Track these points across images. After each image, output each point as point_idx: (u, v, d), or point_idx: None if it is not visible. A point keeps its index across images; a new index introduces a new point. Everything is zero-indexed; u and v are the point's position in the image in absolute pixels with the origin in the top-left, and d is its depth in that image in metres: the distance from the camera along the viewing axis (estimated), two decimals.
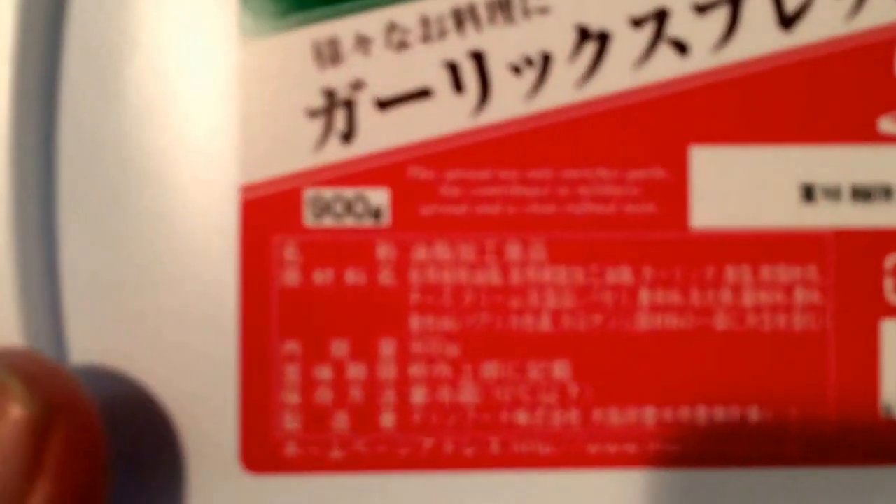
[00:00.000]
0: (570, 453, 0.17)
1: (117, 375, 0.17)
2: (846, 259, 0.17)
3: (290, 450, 0.17)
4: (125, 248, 0.17)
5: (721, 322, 0.17)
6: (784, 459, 0.17)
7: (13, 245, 0.16)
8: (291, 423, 0.17)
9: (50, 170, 0.17)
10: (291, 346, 0.17)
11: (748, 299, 0.17)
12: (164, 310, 0.17)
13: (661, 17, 0.17)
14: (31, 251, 0.16)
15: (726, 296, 0.17)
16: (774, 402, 0.17)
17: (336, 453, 0.17)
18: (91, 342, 0.17)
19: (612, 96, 0.17)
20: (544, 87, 0.17)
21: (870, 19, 0.17)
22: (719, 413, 0.17)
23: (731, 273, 0.17)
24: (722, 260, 0.17)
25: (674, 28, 0.17)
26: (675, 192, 0.17)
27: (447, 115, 0.17)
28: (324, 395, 0.17)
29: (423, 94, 0.17)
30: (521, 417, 0.17)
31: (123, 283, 0.17)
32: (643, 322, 0.17)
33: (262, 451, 0.17)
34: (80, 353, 0.17)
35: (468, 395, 0.17)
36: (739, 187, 0.17)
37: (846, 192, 0.17)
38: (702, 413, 0.17)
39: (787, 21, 0.17)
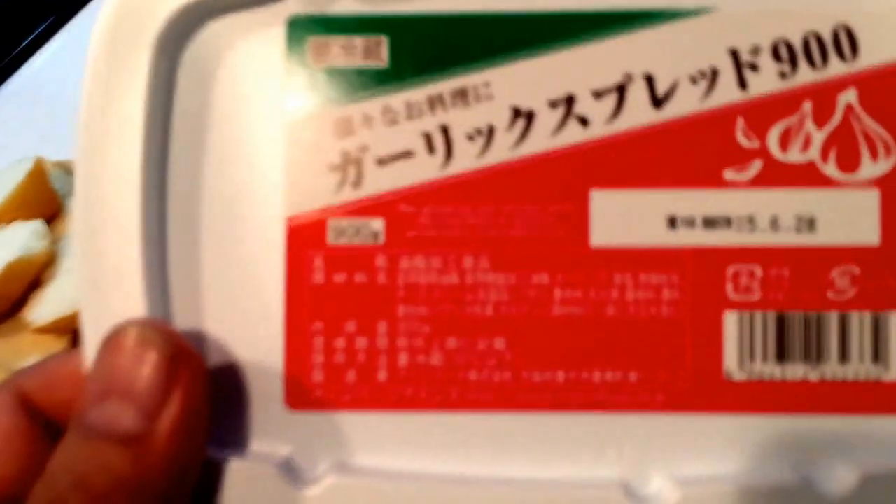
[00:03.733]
0: (505, 400, 0.26)
1: (204, 339, 0.26)
2: (699, 268, 0.26)
3: (317, 394, 0.26)
4: (213, 257, 0.26)
5: (610, 311, 0.26)
6: (654, 406, 0.26)
7: (144, 259, 0.25)
8: (318, 376, 0.26)
9: (163, 210, 0.26)
10: (318, 325, 0.26)
11: (629, 296, 0.26)
12: (238, 298, 0.26)
13: (569, 100, 0.26)
14: (153, 260, 0.26)
15: (614, 293, 0.26)
16: (648, 367, 0.26)
17: (347, 397, 0.26)
18: (187, 316, 0.26)
19: (536, 155, 0.26)
20: (489, 150, 0.26)
21: (717, 100, 0.25)
22: (608, 374, 0.26)
23: (617, 277, 0.26)
24: (612, 268, 0.26)
25: (579, 107, 0.26)
26: (579, 221, 0.26)
27: (424, 169, 0.26)
28: (339, 358, 0.26)
29: (408, 154, 0.26)
30: (472, 375, 0.26)
31: (211, 279, 0.26)
32: (556, 311, 0.26)
33: (298, 395, 0.26)
34: (180, 323, 0.26)
35: (436, 359, 0.26)
36: (624, 218, 0.26)
37: (699, 222, 0.26)
38: (596, 374, 0.26)
39: (658, 102, 0.26)
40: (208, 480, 0.25)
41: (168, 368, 0.23)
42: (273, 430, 0.26)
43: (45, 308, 0.56)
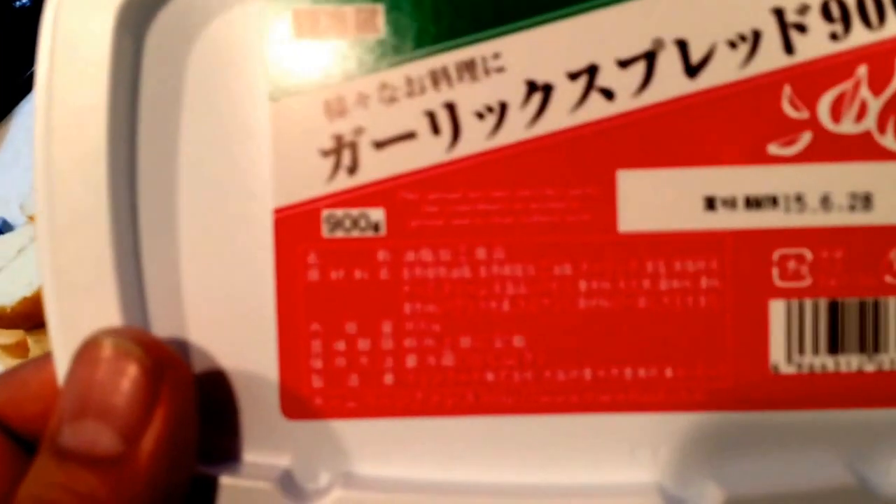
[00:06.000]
0: (526, 402, 0.24)
1: (187, 344, 0.25)
2: (741, 253, 0.24)
3: (317, 401, 0.25)
4: (193, 255, 0.24)
5: (642, 303, 0.24)
6: (692, 406, 0.24)
7: (114, 263, 0.24)
8: (317, 382, 0.24)
9: (134, 205, 0.24)
10: (315, 326, 0.24)
11: (663, 285, 0.24)
12: (224, 299, 0.24)
13: (592, 71, 0.23)
14: (126, 261, 0.24)
15: (646, 283, 0.24)
16: (684, 363, 0.24)
17: (350, 404, 0.25)
18: (167, 322, 0.25)
19: (555, 133, 0.24)
20: (502, 129, 0.24)
21: (760, 66, 0.23)
22: (641, 371, 0.24)
23: (650, 265, 0.24)
24: (643, 256, 0.24)
25: (602, 79, 0.23)
26: (605, 205, 0.24)
27: (427, 152, 0.24)
28: (340, 362, 0.24)
29: (409, 136, 0.24)
30: (489, 376, 0.24)
31: (193, 280, 0.24)
32: (581, 304, 0.24)
33: (296, 403, 0.25)
34: (160, 330, 0.25)
35: (448, 360, 0.24)
36: (656, 200, 0.24)
37: (741, 202, 0.24)
38: (628, 371, 0.24)
39: (692, 70, 0.23)
40: (201, 498, 0.24)
41: (148, 382, 0.22)
42: (269, 442, 0.25)
43: None
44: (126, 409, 0.22)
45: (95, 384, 0.22)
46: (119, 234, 0.24)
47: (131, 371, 0.22)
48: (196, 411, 0.23)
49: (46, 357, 0.25)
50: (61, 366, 0.24)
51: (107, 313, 0.24)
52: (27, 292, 0.59)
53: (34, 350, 0.65)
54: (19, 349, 0.68)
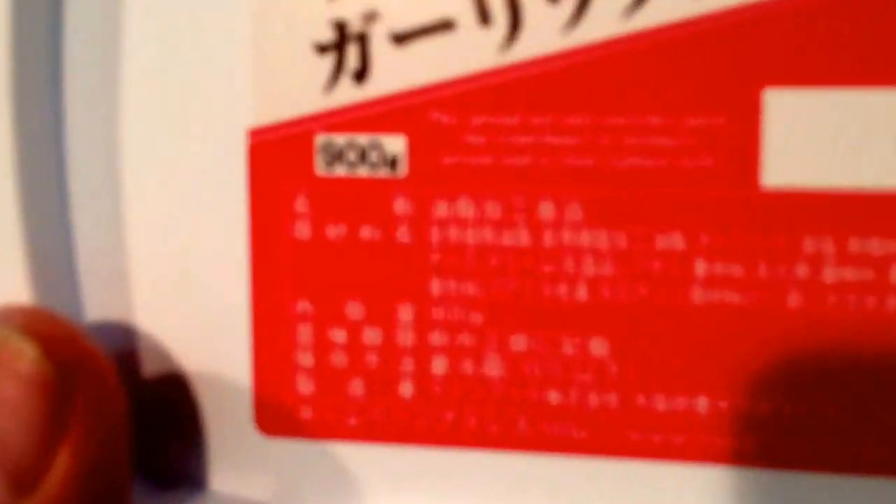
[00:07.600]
0: (607, 439, 0.17)
1: (130, 331, 0.19)
2: None
3: (305, 413, 0.18)
4: (134, 199, 0.18)
5: (794, 300, 0.16)
6: (867, 467, 0.16)
7: (21, 199, 0.18)
8: (305, 386, 0.18)
9: (60, 121, 0.18)
10: (304, 306, 0.18)
11: (829, 275, 0.16)
12: (172, 261, 0.19)
13: None
14: (40, 205, 0.18)
15: (802, 270, 0.16)
16: (861, 400, 0.16)
17: (352, 420, 0.18)
18: (103, 297, 0.19)
19: (667, 27, 0.16)
20: (585, 17, 0.16)
21: None
22: (788, 407, 0.16)
23: (809, 244, 0.16)
24: (799, 227, 0.16)
25: None
26: (742, 144, 0.16)
27: (472, 51, 0.17)
28: (339, 359, 0.18)
29: (445, 26, 0.17)
30: (553, 397, 0.17)
31: (132, 234, 0.19)
32: (697, 296, 0.17)
33: (276, 414, 0.18)
34: (93, 309, 0.19)
35: (493, 367, 0.18)
36: (825, 139, 0.16)
37: None
38: (766, 406, 0.16)
39: None
40: None
41: (49, 404, 0.16)
42: (242, 465, 0.19)
43: None
44: (19, 446, 0.15)
45: None
46: (25, 175, 0.18)
47: (24, 387, 0.16)
48: (127, 431, 0.17)
49: None
50: None
51: (12, 285, 0.18)
52: None
53: None
54: None
